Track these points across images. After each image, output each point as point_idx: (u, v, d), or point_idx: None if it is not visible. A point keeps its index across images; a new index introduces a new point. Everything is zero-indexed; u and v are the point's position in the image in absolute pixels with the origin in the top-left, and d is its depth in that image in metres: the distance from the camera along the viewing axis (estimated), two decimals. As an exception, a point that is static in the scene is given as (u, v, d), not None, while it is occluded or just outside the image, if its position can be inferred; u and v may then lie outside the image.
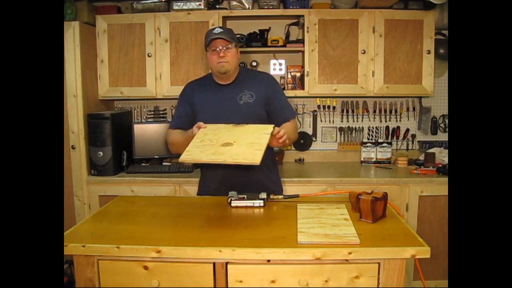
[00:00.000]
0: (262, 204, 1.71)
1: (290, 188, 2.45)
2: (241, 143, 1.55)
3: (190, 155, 1.52)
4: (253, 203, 1.70)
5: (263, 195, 1.73)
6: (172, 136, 1.98)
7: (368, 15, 2.78)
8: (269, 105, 1.98)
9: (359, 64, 2.82)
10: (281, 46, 2.92)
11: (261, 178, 1.98)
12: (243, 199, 1.72)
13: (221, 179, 1.99)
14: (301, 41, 2.89)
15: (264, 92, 1.97)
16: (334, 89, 2.85)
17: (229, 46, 1.89)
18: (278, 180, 2.14)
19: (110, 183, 2.66)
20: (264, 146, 1.52)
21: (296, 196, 1.78)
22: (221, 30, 1.91)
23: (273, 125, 1.68)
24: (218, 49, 1.88)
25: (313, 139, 3.19)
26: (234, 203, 1.71)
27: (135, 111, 3.19)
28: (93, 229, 1.52)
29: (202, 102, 1.99)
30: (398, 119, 3.16)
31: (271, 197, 1.77)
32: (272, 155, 2.15)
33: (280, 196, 1.78)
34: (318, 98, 3.10)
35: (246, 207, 1.71)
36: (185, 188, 2.62)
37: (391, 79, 2.84)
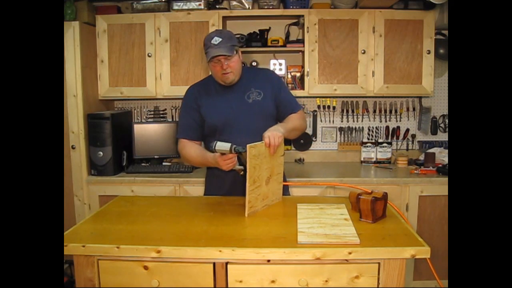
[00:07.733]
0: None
1: (289, 188, 2.43)
2: (274, 176, 1.74)
3: (253, 207, 1.64)
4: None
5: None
6: (188, 153, 1.92)
7: (368, 15, 2.78)
8: (277, 100, 1.97)
9: (359, 64, 2.82)
10: (281, 46, 2.92)
11: None
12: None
13: (228, 188, 1.97)
14: (301, 41, 2.89)
15: (271, 88, 1.96)
16: (334, 89, 2.85)
17: (231, 55, 1.82)
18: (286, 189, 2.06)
19: (110, 183, 2.66)
20: (281, 175, 1.80)
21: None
22: (220, 39, 1.79)
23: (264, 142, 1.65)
24: (220, 60, 1.82)
25: (313, 139, 3.18)
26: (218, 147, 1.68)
27: (135, 111, 3.19)
28: (93, 229, 1.52)
29: (210, 105, 1.93)
30: (398, 119, 3.16)
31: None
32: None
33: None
34: (318, 98, 3.10)
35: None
36: (185, 188, 2.62)
37: (391, 79, 2.84)
